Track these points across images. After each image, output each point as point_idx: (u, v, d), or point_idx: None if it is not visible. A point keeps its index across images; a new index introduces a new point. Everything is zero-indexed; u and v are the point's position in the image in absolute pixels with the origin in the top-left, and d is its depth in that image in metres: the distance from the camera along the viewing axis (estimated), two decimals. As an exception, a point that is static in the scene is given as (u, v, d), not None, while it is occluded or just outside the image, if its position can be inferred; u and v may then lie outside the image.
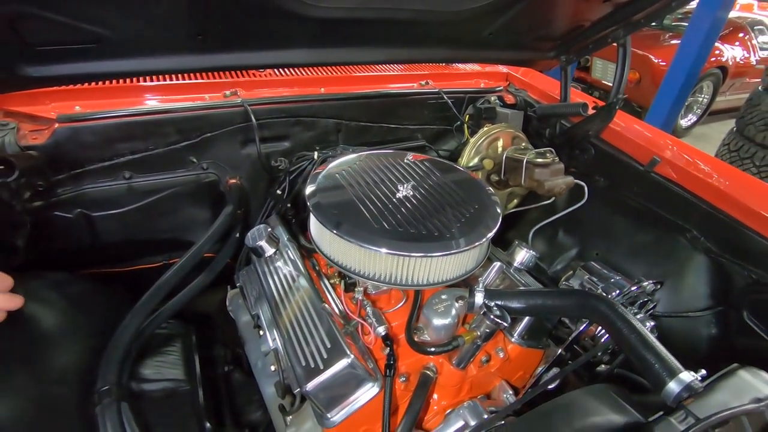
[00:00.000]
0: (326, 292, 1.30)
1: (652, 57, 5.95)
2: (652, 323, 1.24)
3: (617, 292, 1.23)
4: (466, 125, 1.99)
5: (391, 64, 2.08)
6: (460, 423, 1.12)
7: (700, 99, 6.59)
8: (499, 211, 1.25)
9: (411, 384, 1.15)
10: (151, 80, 1.58)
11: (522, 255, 1.37)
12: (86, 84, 1.47)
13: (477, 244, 1.14)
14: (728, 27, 6.10)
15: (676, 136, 3.32)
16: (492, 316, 1.04)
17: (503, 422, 1.02)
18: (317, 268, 1.39)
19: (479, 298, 1.09)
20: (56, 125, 1.36)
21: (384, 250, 1.07)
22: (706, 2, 4.73)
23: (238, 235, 1.60)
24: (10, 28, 0.91)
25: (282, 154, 1.71)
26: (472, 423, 1.11)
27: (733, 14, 5.80)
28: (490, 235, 1.17)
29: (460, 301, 1.17)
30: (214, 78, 1.68)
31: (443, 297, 1.19)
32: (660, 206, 1.57)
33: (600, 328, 1.23)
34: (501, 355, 1.24)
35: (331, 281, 1.33)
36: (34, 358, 0.96)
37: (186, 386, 1.17)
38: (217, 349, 1.55)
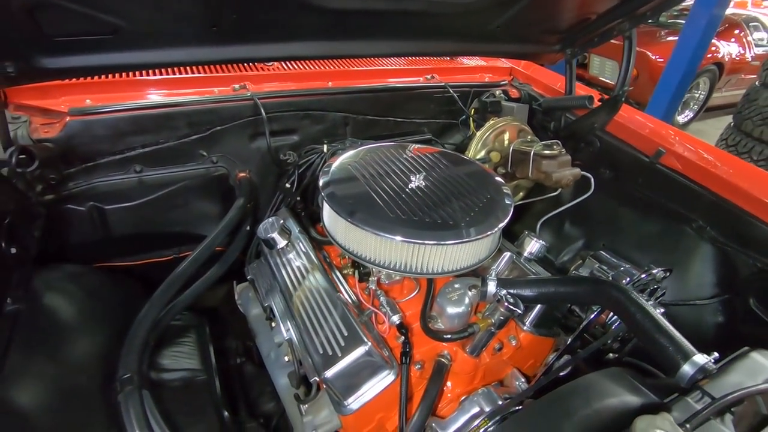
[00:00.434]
0: (338, 283, 1.31)
1: (649, 54, 5.98)
2: (662, 310, 1.26)
3: (627, 279, 1.25)
4: (471, 119, 2.00)
5: (396, 58, 2.09)
6: (476, 409, 1.14)
7: (697, 95, 6.63)
8: (510, 201, 1.26)
9: (426, 372, 1.17)
10: (161, 74, 1.58)
11: (531, 245, 1.38)
12: (96, 78, 1.47)
13: (490, 233, 1.15)
14: (724, 24, 6.14)
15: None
16: (506, 304, 1.06)
17: (519, 407, 1.04)
18: (328, 260, 1.40)
19: (492, 287, 1.10)
20: (68, 118, 1.36)
21: (399, 238, 1.08)
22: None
23: (248, 228, 1.60)
24: (30, 17, 0.92)
25: (290, 147, 1.71)
26: (487, 409, 1.13)
27: (728, 11, 5.83)
28: (503, 224, 1.19)
29: (473, 290, 1.18)
30: (222, 72, 1.68)
31: (456, 286, 1.21)
32: (665, 197, 1.59)
33: (611, 315, 1.25)
34: (513, 343, 1.26)
35: (344, 272, 1.34)
36: (56, 347, 0.97)
37: (203, 376, 1.18)
38: (229, 342, 1.56)
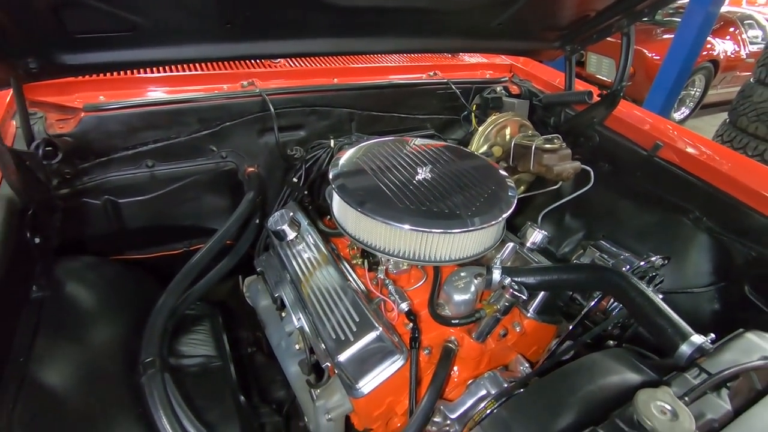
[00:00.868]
0: (347, 273, 1.35)
1: (646, 51, 6.04)
2: (661, 296, 1.31)
3: (627, 267, 1.30)
4: (473, 114, 2.04)
5: (399, 56, 2.13)
6: (482, 392, 1.18)
7: (693, 92, 6.70)
8: (513, 193, 1.31)
9: (434, 357, 1.21)
10: (171, 71, 1.62)
11: (534, 235, 1.43)
12: (108, 74, 1.50)
13: (494, 222, 1.20)
14: (719, 21, 6.21)
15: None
16: (511, 290, 1.10)
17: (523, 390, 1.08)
18: (336, 252, 1.44)
19: (497, 275, 1.15)
20: (82, 114, 1.40)
21: (407, 226, 1.12)
22: (699, -3, 4.83)
23: (257, 221, 1.64)
24: (55, 15, 0.95)
25: (297, 142, 1.75)
26: (493, 391, 1.17)
27: (723, 9, 5.89)
28: (507, 214, 1.23)
29: (478, 278, 1.22)
30: (230, 69, 1.72)
31: (462, 274, 1.25)
32: (663, 189, 1.64)
33: (611, 302, 1.29)
34: (518, 329, 1.30)
35: (353, 262, 1.38)
36: (79, 332, 1.00)
37: (218, 362, 1.22)
38: (239, 332, 1.60)
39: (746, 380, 0.87)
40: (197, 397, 1.08)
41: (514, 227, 1.75)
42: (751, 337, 0.96)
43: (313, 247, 1.43)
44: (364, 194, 1.19)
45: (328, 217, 1.59)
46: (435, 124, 2.08)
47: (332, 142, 1.66)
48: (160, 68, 1.62)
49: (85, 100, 1.45)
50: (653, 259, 1.29)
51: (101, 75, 1.49)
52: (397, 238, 1.17)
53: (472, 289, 1.22)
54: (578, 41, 1.82)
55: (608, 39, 1.75)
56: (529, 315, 1.32)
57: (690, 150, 1.60)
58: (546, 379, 0.91)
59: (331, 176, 1.27)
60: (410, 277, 1.36)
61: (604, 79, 6.42)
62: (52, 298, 0.99)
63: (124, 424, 0.92)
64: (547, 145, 1.67)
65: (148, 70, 1.60)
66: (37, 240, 1.06)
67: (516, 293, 1.10)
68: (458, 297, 1.21)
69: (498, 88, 2.10)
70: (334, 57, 1.93)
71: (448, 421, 1.17)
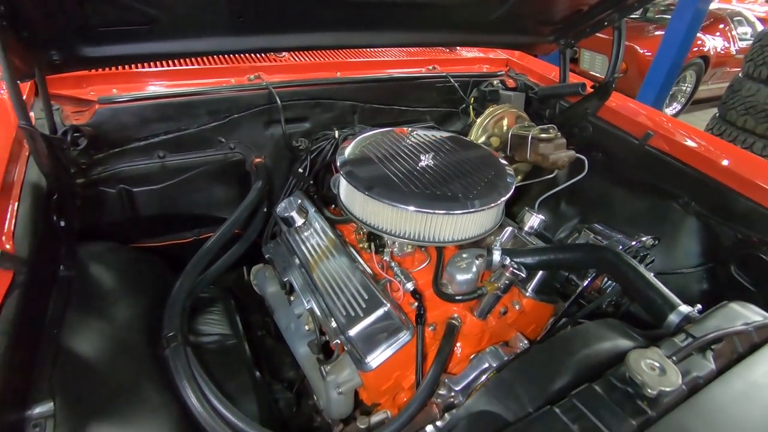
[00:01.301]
0: (353, 257, 1.41)
1: (637, 48, 6.13)
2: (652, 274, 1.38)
3: (620, 247, 1.37)
4: (471, 107, 2.11)
5: (399, 50, 2.19)
6: (485, 365, 1.25)
7: (684, 88, 6.81)
8: (512, 179, 1.38)
9: (438, 333, 1.28)
10: (179, 64, 1.67)
11: (532, 219, 1.50)
12: (121, 68, 1.56)
13: (494, 204, 1.27)
14: (709, 18, 6.31)
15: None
16: (511, 268, 1.17)
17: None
18: (342, 238, 1.51)
19: (497, 256, 1.22)
20: (97, 106, 1.45)
21: (412, 208, 1.19)
22: (688, -7, 4.93)
23: (265, 209, 1.70)
24: (80, 8, 1.01)
25: (302, 134, 1.81)
26: (495, 364, 1.24)
27: (713, 6, 5.99)
28: (505, 197, 1.30)
29: (480, 259, 1.29)
30: (237, 63, 1.78)
31: (464, 255, 1.31)
32: (654, 176, 1.71)
33: (605, 280, 1.37)
34: (517, 307, 1.37)
35: (360, 246, 1.44)
36: (105, 308, 1.06)
37: (233, 340, 1.28)
38: (249, 316, 1.66)
39: (729, 344, 0.94)
40: (215, 372, 1.14)
41: (512, 215, 1.82)
42: (735, 306, 1.03)
43: (321, 233, 1.49)
44: (371, 179, 1.26)
45: (333, 206, 1.66)
46: (434, 117, 2.14)
47: (336, 134, 1.72)
48: (170, 62, 1.67)
49: (98, 92, 1.50)
50: (644, 239, 1.36)
51: (113, 69, 1.54)
52: (402, 220, 1.24)
53: (474, 269, 1.28)
54: (572, 35, 1.89)
55: (601, 36, 1.83)
56: (527, 294, 1.39)
57: (679, 138, 1.67)
58: (545, 344, 0.98)
59: (338, 163, 1.34)
60: (414, 260, 1.42)
61: (597, 75, 6.51)
62: (78, 278, 1.05)
63: (152, 392, 0.98)
64: (544, 135, 1.73)
65: (158, 63, 1.65)
66: (62, 223, 1.11)
67: (516, 271, 1.16)
68: (461, 276, 1.28)
69: (495, 82, 2.17)
70: (337, 51, 2.00)
71: (453, 393, 1.23)
